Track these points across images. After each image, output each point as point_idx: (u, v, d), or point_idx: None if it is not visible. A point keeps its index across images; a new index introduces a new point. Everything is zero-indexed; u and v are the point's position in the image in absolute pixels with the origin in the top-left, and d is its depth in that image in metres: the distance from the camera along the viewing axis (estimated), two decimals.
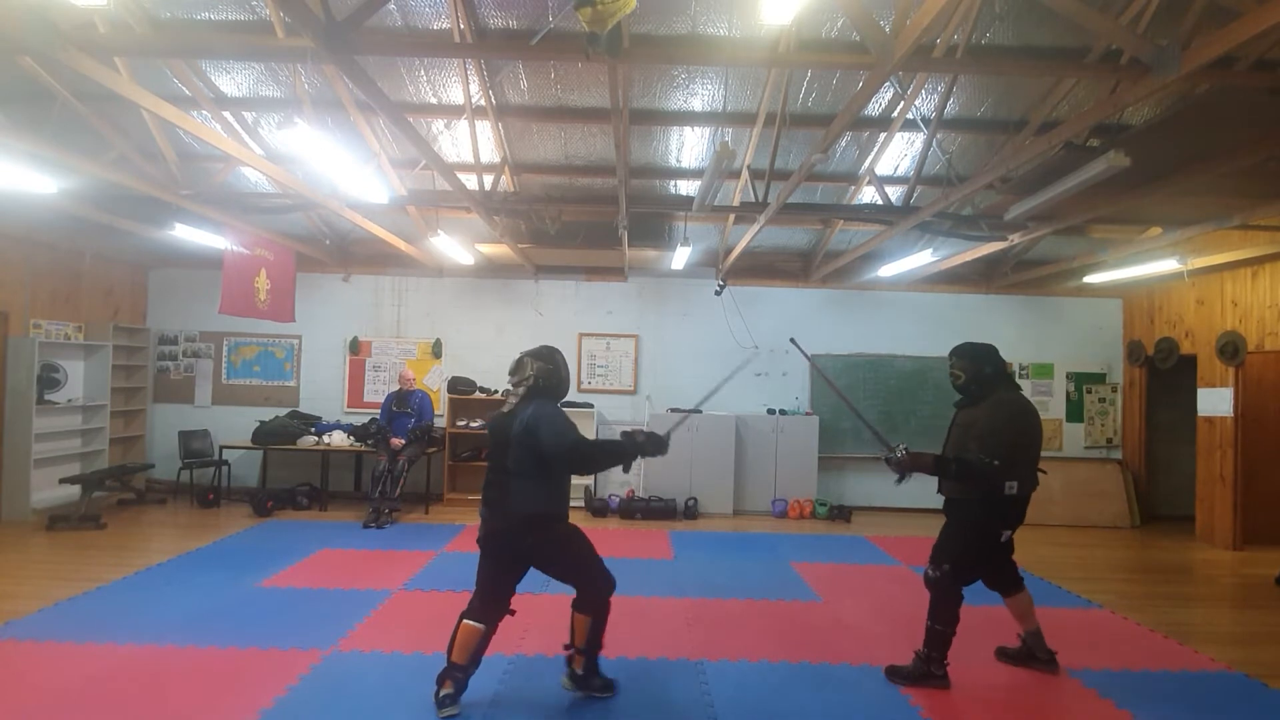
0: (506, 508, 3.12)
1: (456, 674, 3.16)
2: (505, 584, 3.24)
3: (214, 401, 8.58)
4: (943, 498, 3.74)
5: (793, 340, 4.83)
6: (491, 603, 3.21)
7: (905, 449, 3.57)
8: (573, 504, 3.48)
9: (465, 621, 3.18)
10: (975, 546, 3.61)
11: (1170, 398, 8.31)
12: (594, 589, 3.26)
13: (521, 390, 3.22)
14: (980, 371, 3.68)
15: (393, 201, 6.05)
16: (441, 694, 3.14)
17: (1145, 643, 4.35)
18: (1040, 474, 3.68)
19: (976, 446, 3.50)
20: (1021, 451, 3.56)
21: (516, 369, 3.27)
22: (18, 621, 4.15)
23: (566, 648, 3.35)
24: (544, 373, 3.23)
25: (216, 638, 3.95)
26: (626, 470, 3.28)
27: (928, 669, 3.61)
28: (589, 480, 8.07)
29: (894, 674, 3.69)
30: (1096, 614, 4.87)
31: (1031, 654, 3.88)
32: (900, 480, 3.62)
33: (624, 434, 3.27)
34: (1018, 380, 8.54)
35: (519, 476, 3.11)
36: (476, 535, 3.27)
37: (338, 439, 7.80)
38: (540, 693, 3.41)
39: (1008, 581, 3.84)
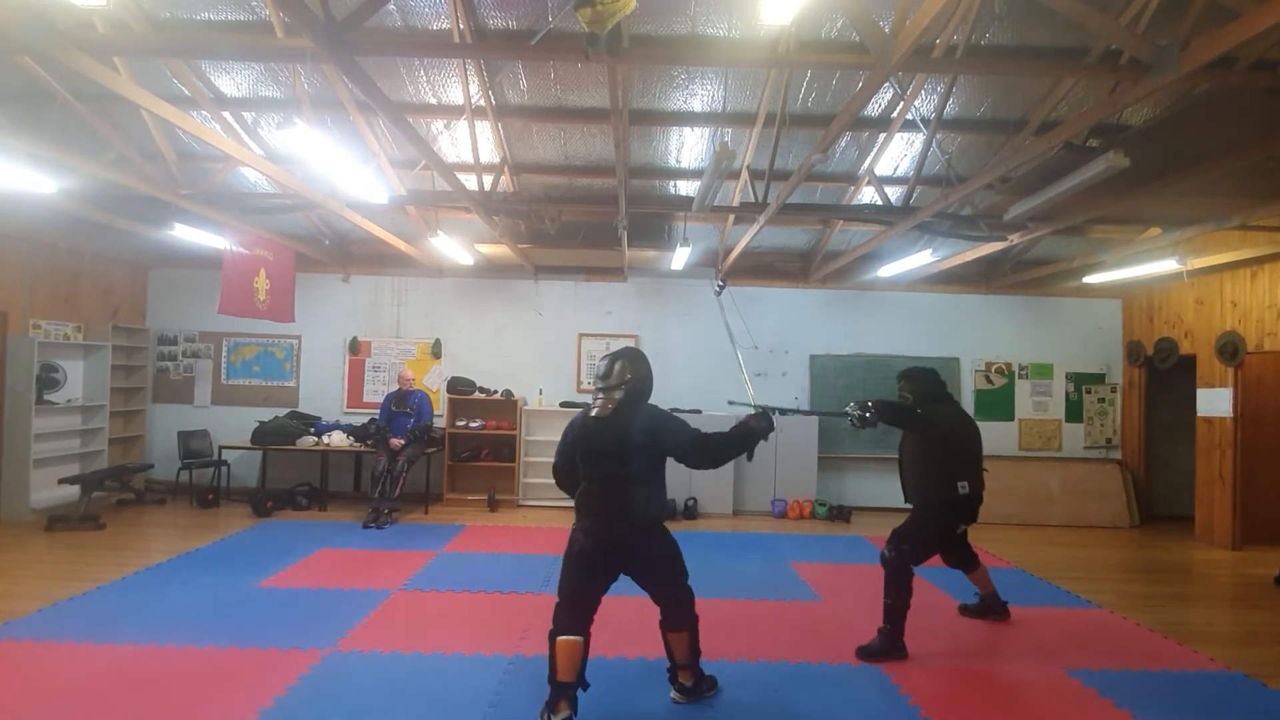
0: (628, 516, 3.08)
1: (569, 692, 3.04)
2: (599, 594, 3.19)
3: (213, 402, 8.58)
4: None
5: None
6: (585, 615, 3.14)
7: (859, 404, 3.94)
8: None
9: (561, 638, 3.07)
10: (933, 536, 4.16)
11: (1169, 398, 8.31)
12: (686, 601, 3.30)
13: (618, 395, 3.14)
14: (927, 391, 4.29)
15: (392, 201, 6.05)
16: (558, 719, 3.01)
17: (1145, 643, 4.35)
18: (984, 471, 4.27)
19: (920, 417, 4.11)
20: (964, 453, 4.16)
21: (609, 374, 3.20)
22: (18, 621, 4.14)
23: (670, 669, 3.38)
24: (639, 376, 3.21)
25: (216, 638, 3.95)
26: (750, 458, 3.26)
27: (891, 643, 3.96)
28: None
29: (865, 653, 3.97)
30: (1096, 614, 4.87)
31: (989, 608, 4.58)
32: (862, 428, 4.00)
33: (736, 426, 3.24)
34: (1016, 381, 8.63)
35: (641, 483, 3.10)
36: (574, 549, 3.17)
37: (337, 439, 7.80)
38: (541, 693, 3.40)
39: (968, 562, 4.51)
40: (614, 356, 3.25)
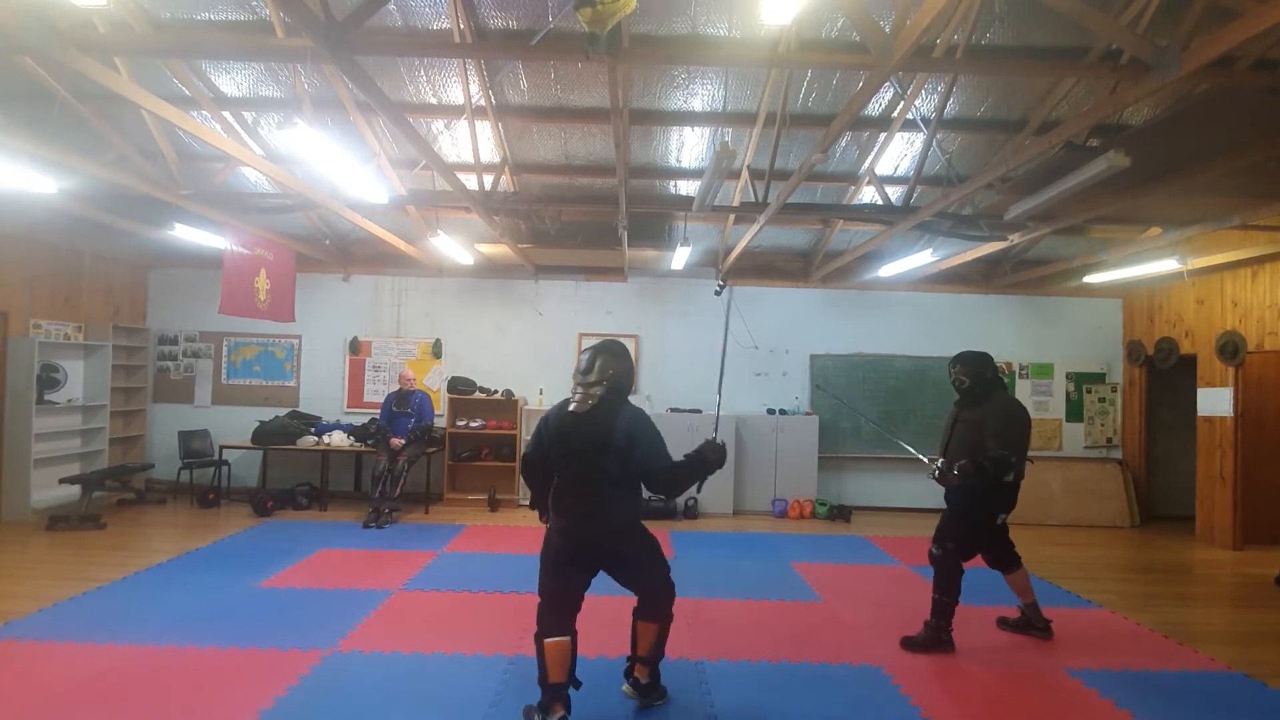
0: (606, 518, 3.00)
1: (562, 693, 2.98)
2: (581, 592, 3.13)
3: (214, 401, 8.58)
4: (941, 489, 4.18)
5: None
6: (569, 614, 3.07)
7: (939, 463, 4.03)
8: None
9: (549, 640, 2.98)
10: (975, 527, 4.11)
11: (1170, 397, 8.31)
12: (665, 593, 3.22)
13: (597, 391, 3.01)
14: (982, 376, 4.19)
15: (392, 201, 6.05)
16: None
17: (1145, 643, 4.35)
18: (1029, 463, 4.14)
19: (996, 443, 3.90)
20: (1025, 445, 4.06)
21: (589, 368, 3.04)
22: (18, 621, 4.15)
23: (630, 659, 3.33)
24: (622, 371, 3.06)
25: (216, 638, 3.95)
26: (699, 490, 3.18)
27: (937, 636, 4.06)
28: None
29: (909, 643, 4.08)
30: (1096, 614, 4.87)
31: (1029, 623, 4.36)
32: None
33: (687, 456, 3.07)
34: (1016, 380, 8.63)
35: (618, 485, 2.99)
36: (553, 549, 3.08)
37: (337, 439, 7.80)
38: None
39: (1007, 561, 4.31)
40: (595, 350, 3.11)
